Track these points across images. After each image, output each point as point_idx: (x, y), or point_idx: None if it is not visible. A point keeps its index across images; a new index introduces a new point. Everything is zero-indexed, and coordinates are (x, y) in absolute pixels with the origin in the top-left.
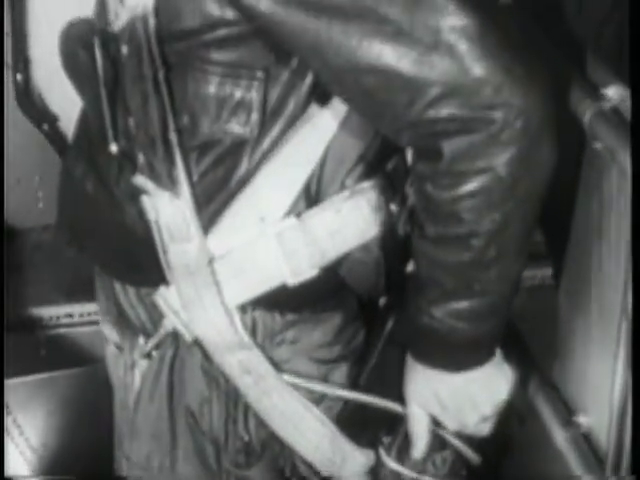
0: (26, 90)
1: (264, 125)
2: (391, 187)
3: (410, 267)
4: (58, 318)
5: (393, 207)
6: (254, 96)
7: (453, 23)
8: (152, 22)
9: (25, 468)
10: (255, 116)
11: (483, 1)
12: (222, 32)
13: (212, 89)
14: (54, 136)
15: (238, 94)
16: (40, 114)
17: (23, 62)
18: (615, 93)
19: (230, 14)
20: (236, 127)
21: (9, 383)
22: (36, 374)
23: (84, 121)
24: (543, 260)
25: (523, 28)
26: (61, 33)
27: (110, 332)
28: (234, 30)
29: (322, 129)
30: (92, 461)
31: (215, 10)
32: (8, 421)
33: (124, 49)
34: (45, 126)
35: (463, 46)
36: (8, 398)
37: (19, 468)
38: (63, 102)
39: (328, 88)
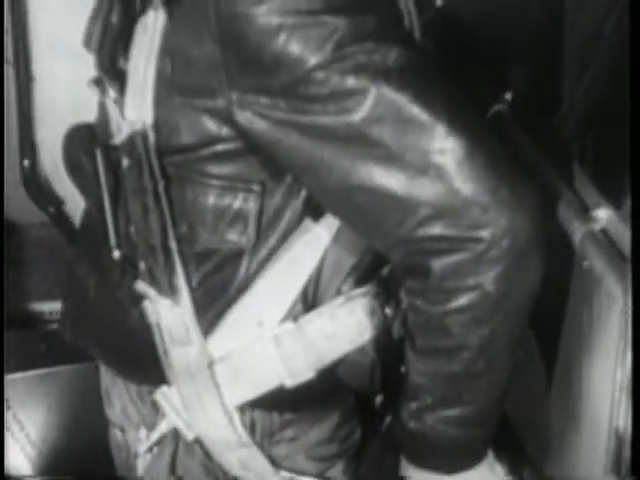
0: (33, 174)
1: (261, 235)
2: (385, 292)
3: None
4: (58, 313)
5: (388, 311)
6: (251, 208)
7: (442, 145)
8: (152, 137)
9: (25, 463)
10: (252, 227)
11: (471, 116)
12: (219, 147)
13: (210, 200)
14: (60, 219)
15: (235, 205)
16: (46, 197)
17: (30, 147)
18: (604, 215)
19: (227, 131)
20: (234, 237)
21: (9, 378)
22: (36, 369)
23: (88, 219)
24: None
25: (508, 140)
26: (64, 137)
27: (115, 417)
28: (231, 146)
29: (318, 239)
30: (92, 456)
31: (212, 127)
32: (8, 416)
33: (125, 161)
34: (51, 209)
35: (452, 168)
36: (8, 393)
37: (19, 463)
38: (69, 186)
39: (321, 204)
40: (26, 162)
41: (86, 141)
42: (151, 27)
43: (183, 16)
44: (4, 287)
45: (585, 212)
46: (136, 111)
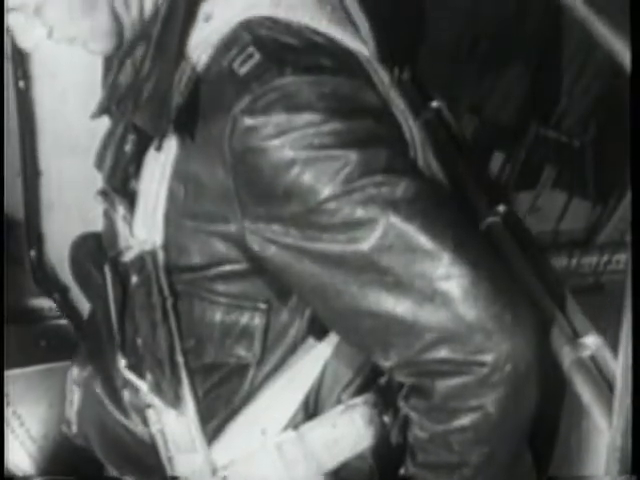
0: (39, 264)
1: (266, 351)
2: (383, 400)
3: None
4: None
5: (386, 419)
6: (257, 324)
7: (448, 273)
8: (161, 257)
9: (26, 459)
10: (258, 343)
11: (475, 244)
12: (227, 268)
13: (218, 317)
14: (64, 305)
15: (242, 322)
16: (51, 285)
17: (36, 238)
18: (593, 342)
19: (235, 253)
20: (240, 352)
21: (9, 374)
22: (36, 365)
23: (93, 323)
24: None
25: (508, 264)
26: (71, 246)
27: None
28: (239, 266)
29: (320, 353)
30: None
31: (222, 249)
32: (8, 412)
33: (134, 278)
34: (56, 295)
35: (457, 295)
36: (8, 389)
37: (19, 459)
38: None
39: (327, 325)
40: (32, 253)
41: (94, 252)
42: (164, 152)
43: (196, 144)
44: (4, 283)
45: (575, 338)
46: (146, 231)
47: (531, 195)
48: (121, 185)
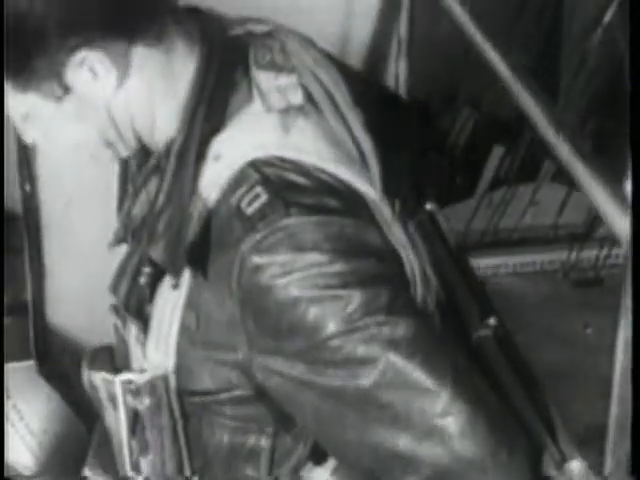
0: (45, 362)
1: (273, 469)
2: None
3: None
4: None
5: None
6: (264, 446)
7: (446, 410)
8: (173, 381)
9: (25, 453)
10: (264, 462)
11: (474, 381)
12: (236, 393)
13: (226, 438)
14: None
15: (249, 444)
16: (57, 380)
17: (42, 331)
18: (577, 468)
19: (243, 379)
20: (247, 472)
21: (9, 367)
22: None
23: (103, 434)
24: None
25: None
26: (85, 358)
27: None
28: (247, 392)
29: (320, 477)
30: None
31: (231, 376)
32: (8, 406)
33: (145, 400)
34: (62, 388)
35: (454, 432)
36: (7, 382)
37: (19, 453)
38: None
39: (327, 452)
40: (40, 347)
41: (107, 366)
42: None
43: (207, 277)
44: (3, 276)
45: (562, 461)
46: (159, 356)
47: (530, 189)
48: (136, 310)
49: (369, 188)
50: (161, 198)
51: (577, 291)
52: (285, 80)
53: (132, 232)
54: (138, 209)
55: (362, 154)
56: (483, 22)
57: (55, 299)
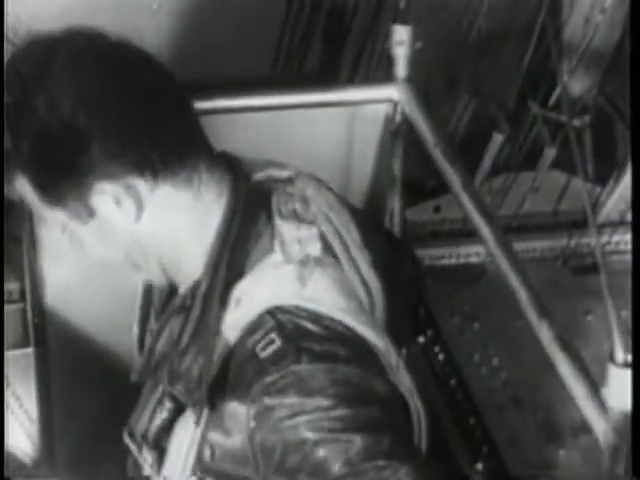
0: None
1: None
2: None
3: None
4: None
5: None
6: None
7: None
8: None
9: (25, 440)
10: None
11: None
12: None
13: None
14: None
15: None
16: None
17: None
18: None
19: None
20: None
21: (8, 355)
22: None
23: None
24: None
25: None
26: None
27: None
28: None
29: None
30: (91, 432)
31: None
32: (8, 393)
33: None
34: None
35: None
36: (7, 370)
37: (19, 440)
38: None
39: None
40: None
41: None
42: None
43: (223, 412)
44: (3, 265)
45: None
46: None
47: (530, 176)
48: (154, 442)
49: (377, 338)
50: (185, 338)
51: (577, 278)
52: (305, 232)
53: (154, 367)
54: (160, 346)
55: (370, 294)
56: None
57: (54, 286)
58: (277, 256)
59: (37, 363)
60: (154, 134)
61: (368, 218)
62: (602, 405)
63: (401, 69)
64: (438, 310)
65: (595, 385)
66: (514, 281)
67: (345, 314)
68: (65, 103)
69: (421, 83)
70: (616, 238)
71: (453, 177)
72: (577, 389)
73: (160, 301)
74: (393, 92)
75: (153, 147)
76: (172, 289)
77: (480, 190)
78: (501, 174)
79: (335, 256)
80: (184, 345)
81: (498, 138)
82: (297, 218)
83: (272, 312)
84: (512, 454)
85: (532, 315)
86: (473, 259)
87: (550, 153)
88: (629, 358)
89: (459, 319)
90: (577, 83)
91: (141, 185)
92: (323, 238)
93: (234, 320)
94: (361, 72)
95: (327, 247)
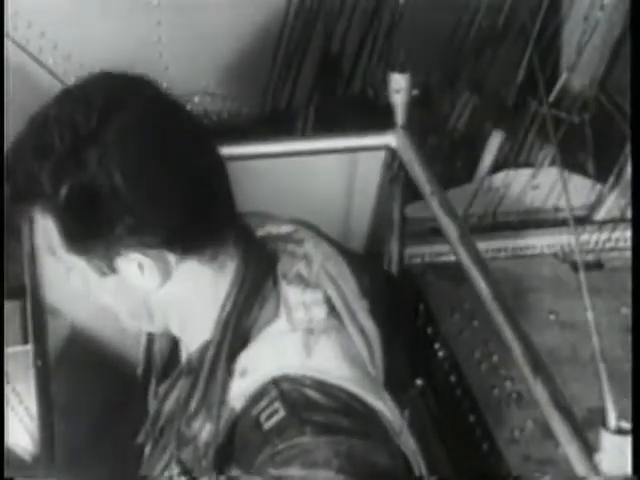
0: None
1: None
2: None
3: None
4: None
5: None
6: None
7: None
8: None
9: (25, 436)
10: None
11: None
12: None
13: None
14: None
15: None
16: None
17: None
18: None
19: None
20: None
21: (8, 352)
22: None
23: None
24: None
25: None
26: None
27: None
28: None
29: None
30: (93, 428)
31: None
32: (7, 390)
33: None
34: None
35: None
36: (7, 367)
37: (19, 437)
38: None
39: None
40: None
41: None
42: None
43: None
44: (3, 264)
45: None
46: None
47: (530, 172)
48: None
49: (381, 404)
50: (193, 404)
51: (577, 274)
52: (311, 296)
53: (160, 429)
54: (167, 407)
55: (369, 344)
56: None
57: (52, 283)
58: (283, 323)
59: (36, 360)
60: (189, 211)
61: (367, 263)
62: (595, 468)
63: (399, 116)
64: (438, 308)
65: (589, 448)
66: (508, 334)
67: (349, 383)
68: (116, 166)
69: (421, 79)
70: (616, 235)
71: (450, 227)
72: (571, 450)
73: (162, 362)
74: (391, 139)
75: (187, 225)
76: (172, 350)
77: (479, 188)
78: (501, 171)
79: (338, 316)
80: (192, 410)
81: (498, 135)
82: (302, 280)
83: (277, 381)
84: (512, 451)
85: (527, 371)
86: None
87: (550, 149)
88: (623, 425)
89: (459, 317)
90: (577, 80)
91: (170, 258)
92: (327, 299)
93: (240, 389)
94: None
95: (330, 307)
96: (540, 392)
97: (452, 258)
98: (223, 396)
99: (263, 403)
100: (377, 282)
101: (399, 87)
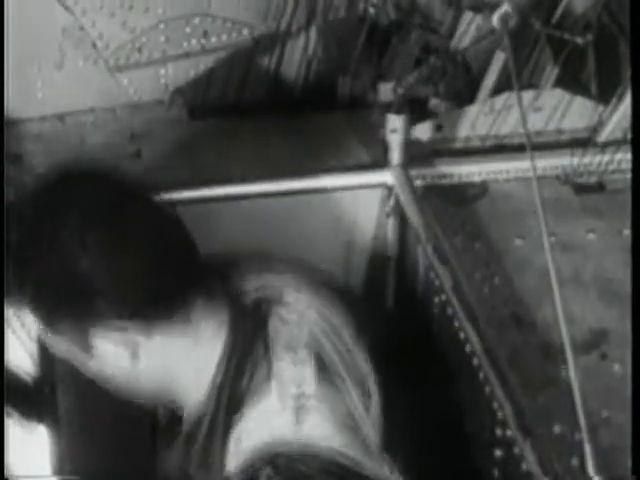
0: None
1: None
2: None
3: None
4: None
5: None
6: None
7: None
8: None
9: (26, 359)
10: None
11: None
12: None
13: None
14: None
15: None
16: None
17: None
18: None
19: None
20: None
21: None
22: None
23: None
24: None
25: None
26: None
27: None
28: None
29: None
30: None
31: None
32: (9, 314)
33: None
34: None
35: None
36: None
37: (21, 360)
38: None
39: None
40: None
41: None
42: None
43: None
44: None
45: None
46: None
47: (532, 95)
48: None
49: (374, 467)
50: (192, 468)
51: (579, 197)
52: (300, 372)
53: None
54: (170, 467)
55: (366, 394)
56: None
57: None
58: (274, 401)
59: None
60: (151, 288)
61: (364, 304)
62: None
63: (395, 156)
64: (440, 229)
65: None
66: (498, 391)
67: (340, 454)
68: (79, 254)
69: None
70: (619, 156)
71: (445, 276)
72: None
73: (165, 419)
74: (387, 177)
75: (148, 303)
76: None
77: (481, 109)
78: (503, 93)
79: (330, 377)
80: (191, 474)
81: (500, 56)
82: (292, 350)
83: (268, 453)
84: (513, 372)
85: (516, 433)
86: (475, 178)
87: (553, 71)
88: None
89: (460, 238)
90: (580, 0)
91: (137, 335)
92: (319, 360)
93: (234, 458)
94: None
95: (323, 367)
96: (529, 454)
97: (454, 180)
98: (221, 464)
99: (255, 476)
100: (376, 324)
101: (395, 127)
